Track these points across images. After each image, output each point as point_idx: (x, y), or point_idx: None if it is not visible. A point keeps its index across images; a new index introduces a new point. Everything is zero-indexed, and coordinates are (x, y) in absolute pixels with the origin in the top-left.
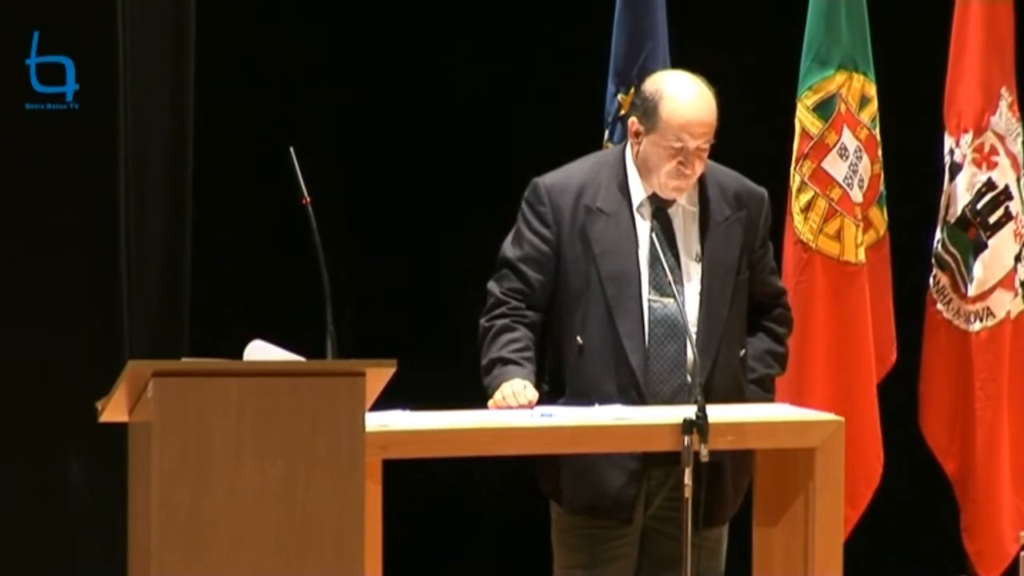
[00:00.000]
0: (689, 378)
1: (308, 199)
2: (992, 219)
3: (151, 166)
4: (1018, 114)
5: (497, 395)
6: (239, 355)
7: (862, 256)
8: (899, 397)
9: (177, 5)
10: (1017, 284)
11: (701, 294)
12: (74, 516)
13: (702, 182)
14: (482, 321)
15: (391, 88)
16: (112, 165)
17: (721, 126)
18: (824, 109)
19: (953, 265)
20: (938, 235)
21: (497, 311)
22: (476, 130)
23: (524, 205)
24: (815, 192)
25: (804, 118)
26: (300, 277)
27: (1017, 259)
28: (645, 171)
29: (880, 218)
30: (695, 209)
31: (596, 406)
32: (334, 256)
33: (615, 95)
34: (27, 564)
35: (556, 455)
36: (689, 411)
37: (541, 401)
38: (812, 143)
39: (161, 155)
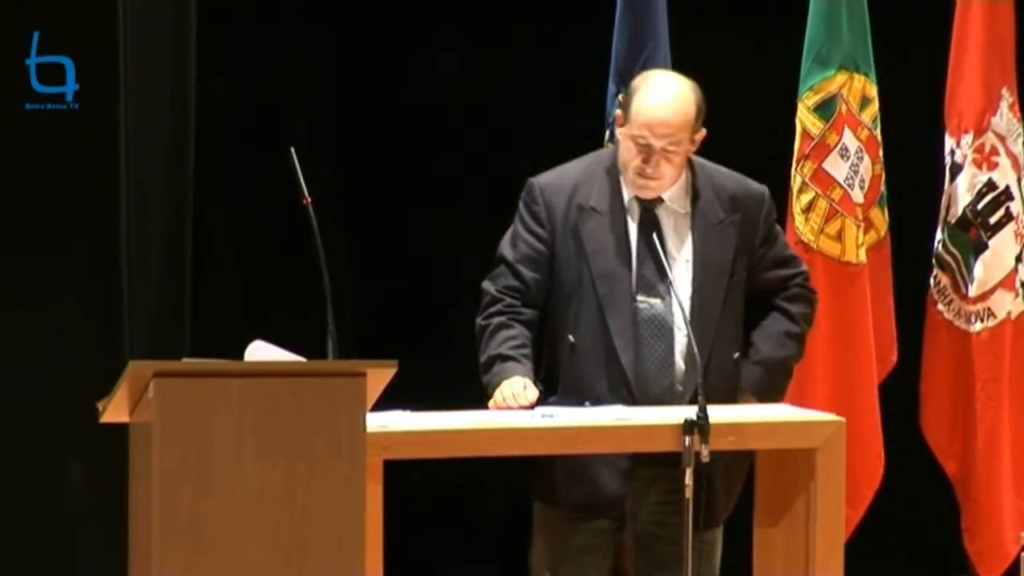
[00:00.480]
0: (678, 383)
1: (309, 199)
2: (993, 219)
3: (151, 166)
4: (1019, 114)
5: (497, 395)
6: (240, 355)
7: (863, 256)
8: (900, 397)
9: (177, 5)
10: (1018, 284)
11: (692, 296)
12: (74, 516)
13: (695, 184)
14: (479, 320)
15: (391, 88)
16: (112, 165)
17: (722, 126)
18: (825, 109)
19: (954, 265)
20: (939, 235)
21: (493, 308)
22: (476, 130)
23: (520, 205)
24: (816, 193)
25: (805, 119)
26: (301, 277)
27: (1018, 259)
28: (621, 166)
29: (881, 218)
30: (686, 211)
31: (587, 406)
32: (335, 256)
33: (616, 96)
34: (27, 564)
35: (547, 454)
36: (690, 412)
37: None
38: (813, 144)
39: (161, 155)
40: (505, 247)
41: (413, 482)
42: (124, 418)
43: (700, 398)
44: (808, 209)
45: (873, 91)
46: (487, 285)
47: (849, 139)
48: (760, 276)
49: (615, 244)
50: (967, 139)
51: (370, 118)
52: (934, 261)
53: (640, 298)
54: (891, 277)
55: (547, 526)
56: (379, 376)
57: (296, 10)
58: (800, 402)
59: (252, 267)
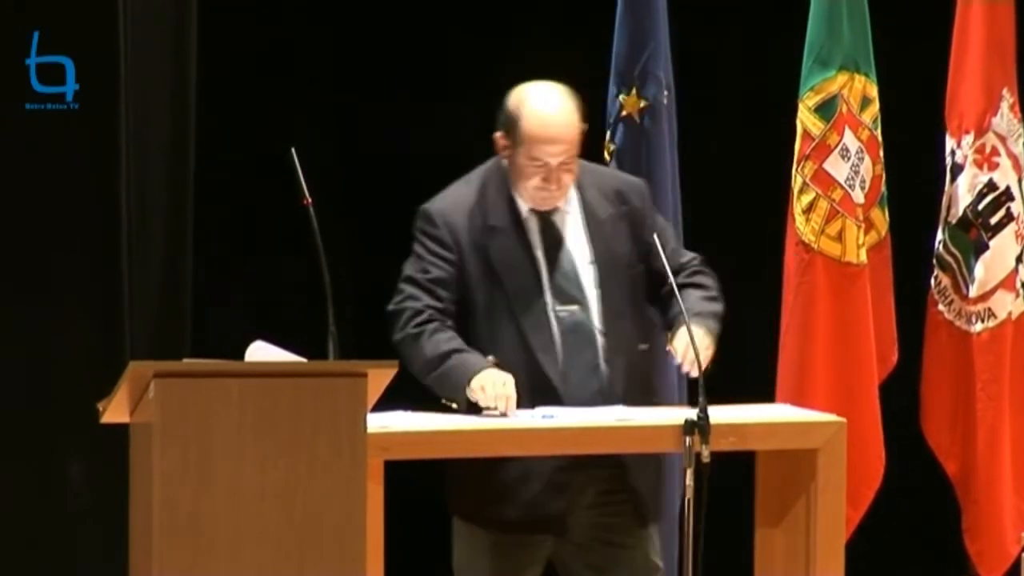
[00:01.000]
0: (605, 384)
1: (309, 199)
2: (993, 220)
3: (152, 166)
4: (1019, 115)
5: (475, 383)
6: (240, 356)
7: (863, 257)
8: (900, 398)
9: (177, 5)
10: (1018, 285)
11: (601, 296)
12: (74, 516)
13: (579, 184)
14: (401, 333)
15: (391, 88)
16: (113, 165)
17: (722, 127)
18: (826, 110)
19: (954, 266)
20: (939, 236)
21: (420, 318)
22: (477, 130)
23: (417, 233)
24: (817, 193)
25: (805, 119)
26: (301, 277)
27: (1018, 260)
28: (517, 184)
29: (881, 219)
30: (579, 213)
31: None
32: (335, 256)
33: (617, 96)
34: (27, 564)
35: (473, 474)
36: (691, 412)
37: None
38: (814, 144)
39: (161, 155)
40: (412, 271)
41: (414, 482)
42: (124, 418)
43: (701, 399)
44: (809, 210)
45: (874, 91)
46: (401, 304)
47: (850, 139)
48: (653, 265)
49: (523, 260)
50: (968, 139)
51: (370, 118)
52: (935, 261)
53: (559, 307)
54: (892, 277)
55: (472, 546)
56: (380, 376)
57: (296, 10)
58: (800, 402)
59: (252, 267)
